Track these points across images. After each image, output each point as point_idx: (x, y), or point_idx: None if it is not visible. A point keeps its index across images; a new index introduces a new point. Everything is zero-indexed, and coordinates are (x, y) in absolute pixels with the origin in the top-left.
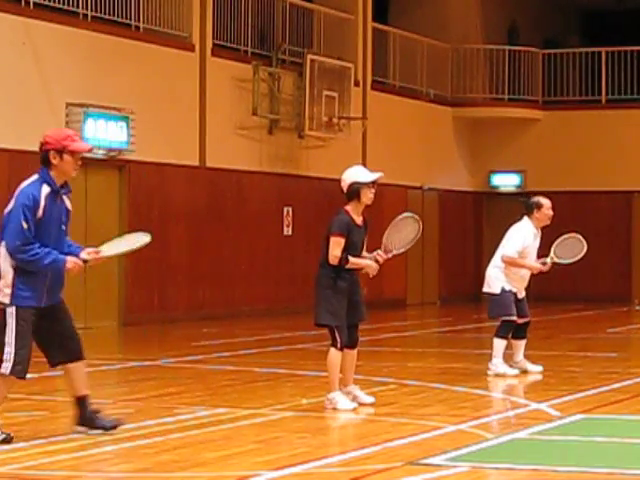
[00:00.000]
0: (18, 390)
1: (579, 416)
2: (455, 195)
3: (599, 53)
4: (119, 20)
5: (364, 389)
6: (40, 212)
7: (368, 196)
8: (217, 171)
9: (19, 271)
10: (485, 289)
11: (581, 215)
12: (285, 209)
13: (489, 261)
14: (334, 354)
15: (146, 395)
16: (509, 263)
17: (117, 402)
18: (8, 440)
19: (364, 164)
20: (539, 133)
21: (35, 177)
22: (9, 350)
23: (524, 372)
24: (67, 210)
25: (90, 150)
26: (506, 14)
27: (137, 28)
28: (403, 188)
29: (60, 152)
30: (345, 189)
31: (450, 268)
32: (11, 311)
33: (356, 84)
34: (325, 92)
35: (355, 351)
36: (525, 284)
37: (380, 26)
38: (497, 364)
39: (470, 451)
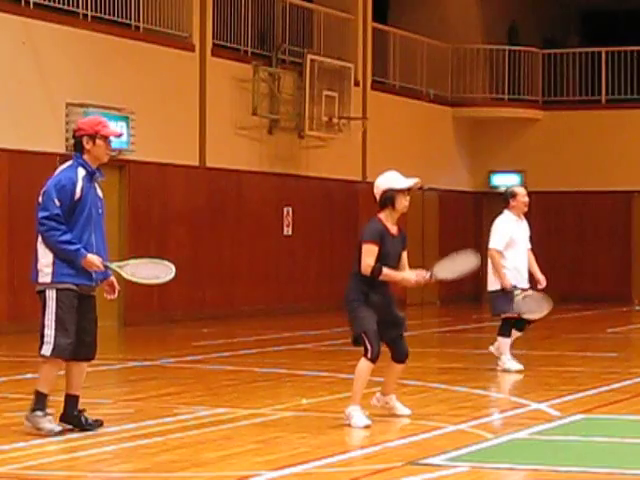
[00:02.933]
0: (18, 390)
1: (579, 416)
2: (455, 195)
3: (599, 53)
4: (119, 20)
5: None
6: (78, 193)
7: (403, 203)
8: (217, 171)
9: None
10: (488, 287)
11: (581, 215)
12: (285, 209)
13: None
14: (363, 364)
15: (146, 395)
16: (491, 256)
17: (117, 402)
18: None
19: (364, 164)
20: (539, 133)
21: (69, 162)
22: (49, 332)
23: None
24: (100, 198)
25: (121, 135)
26: (506, 14)
27: (137, 28)
28: None
29: (93, 137)
30: (378, 196)
31: None
32: (51, 293)
33: (356, 84)
34: (325, 92)
35: (403, 366)
36: (523, 275)
37: (380, 26)
38: (503, 360)
39: (470, 451)
